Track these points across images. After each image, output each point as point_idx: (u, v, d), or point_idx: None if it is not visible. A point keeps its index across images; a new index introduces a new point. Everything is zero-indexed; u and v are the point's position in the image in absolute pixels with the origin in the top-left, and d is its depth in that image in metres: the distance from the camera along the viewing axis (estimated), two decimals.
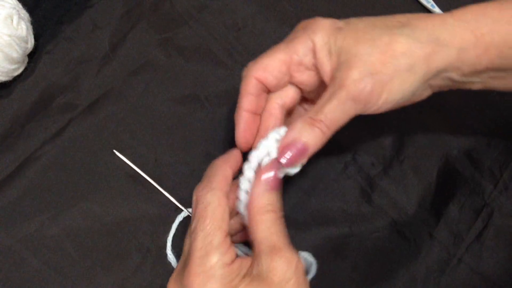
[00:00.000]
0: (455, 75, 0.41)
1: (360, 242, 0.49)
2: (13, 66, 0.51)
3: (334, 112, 0.39)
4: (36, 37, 0.53)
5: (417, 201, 0.51)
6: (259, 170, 0.39)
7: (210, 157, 0.51)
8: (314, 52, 0.41)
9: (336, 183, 0.51)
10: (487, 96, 0.53)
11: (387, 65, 0.39)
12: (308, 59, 0.42)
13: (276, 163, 0.39)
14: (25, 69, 0.53)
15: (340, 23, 0.42)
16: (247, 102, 0.43)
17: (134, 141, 0.51)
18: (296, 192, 0.50)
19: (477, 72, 0.41)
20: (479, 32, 0.39)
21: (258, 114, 0.44)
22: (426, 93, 0.43)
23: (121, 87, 0.53)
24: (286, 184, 0.50)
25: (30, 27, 0.52)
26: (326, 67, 0.41)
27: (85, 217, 0.48)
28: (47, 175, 0.49)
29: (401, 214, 0.50)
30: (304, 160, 0.40)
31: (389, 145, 0.52)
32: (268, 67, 0.42)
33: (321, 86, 0.44)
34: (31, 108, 0.51)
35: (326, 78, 0.41)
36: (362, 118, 0.50)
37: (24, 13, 0.52)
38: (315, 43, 0.41)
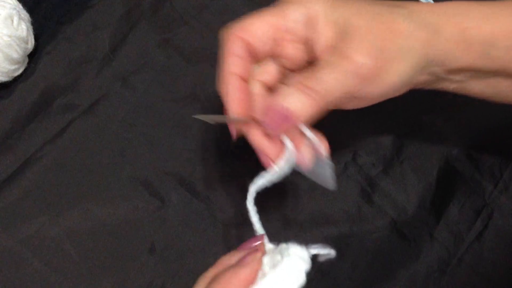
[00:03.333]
0: (438, 70, 0.39)
1: (360, 242, 0.49)
2: (13, 67, 0.51)
3: (332, 83, 0.36)
4: (36, 37, 0.53)
5: (417, 201, 0.51)
6: None
7: (209, 157, 0.51)
8: (309, 20, 0.37)
9: (336, 183, 0.51)
10: None
11: (392, 42, 0.36)
12: (299, 27, 0.37)
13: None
14: (25, 69, 0.53)
15: None
16: (233, 64, 0.38)
17: (134, 142, 0.51)
18: (296, 192, 0.50)
19: (458, 70, 0.40)
20: (463, 26, 0.38)
21: (246, 80, 0.39)
22: (406, 88, 0.40)
23: (121, 88, 0.53)
24: (286, 184, 0.50)
25: (30, 27, 0.52)
26: (323, 37, 0.37)
27: (86, 218, 0.48)
28: (47, 176, 0.49)
29: (401, 214, 0.50)
30: (288, 126, 0.37)
31: (389, 145, 0.52)
32: (255, 29, 0.37)
33: (305, 65, 0.40)
34: (31, 109, 0.51)
35: (321, 48, 0.37)
36: (362, 118, 0.50)
37: (25, 14, 0.52)
38: (312, 10, 0.37)
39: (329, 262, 0.48)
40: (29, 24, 0.52)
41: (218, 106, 0.53)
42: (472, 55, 0.39)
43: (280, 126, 0.37)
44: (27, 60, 0.53)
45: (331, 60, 0.36)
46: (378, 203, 0.51)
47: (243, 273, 0.35)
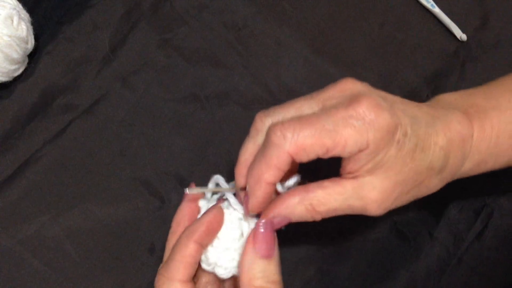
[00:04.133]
0: None
1: (360, 242, 0.49)
2: (13, 67, 0.51)
3: (337, 210, 0.37)
4: (36, 37, 0.53)
5: (417, 201, 0.51)
6: (249, 236, 0.37)
7: (209, 157, 0.51)
8: (357, 149, 0.35)
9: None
10: None
11: (415, 195, 0.40)
12: (345, 150, 0.35)
13: (269, 224, 0.37)
14: (25, 69, 0.53)
15: (402, 126, 0.36)
16: (273, 175, 0.36)
17: (134, 142, 0.51)
18: None
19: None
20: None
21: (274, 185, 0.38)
22: None
23: (121, 88, 0.53)
24: None
25: (30, 27, 0.52)
26: (356, 162, 0.36)
27: (86, 218, 0.48)
28: (47, 176, 0.49)
29: (401, 214, 0.50)
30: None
31: None
32: (308, 148, 0.35)
33: None
34: (31, 109, 0.51)
35: (346, 169, 0.37)
36: None
37: (25, 14, 0.52)
38: (364, 140, 0.35)
39: (329, 262, 0.48)
40: (29, 24, 0.52)
41: (218, 106, 0.53)
42: (499, 163, 0.43)
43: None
44: (27, 60, 0.53)
45: (345, 191, 0.37)
46: None
47: (206, 218, 0.37)
